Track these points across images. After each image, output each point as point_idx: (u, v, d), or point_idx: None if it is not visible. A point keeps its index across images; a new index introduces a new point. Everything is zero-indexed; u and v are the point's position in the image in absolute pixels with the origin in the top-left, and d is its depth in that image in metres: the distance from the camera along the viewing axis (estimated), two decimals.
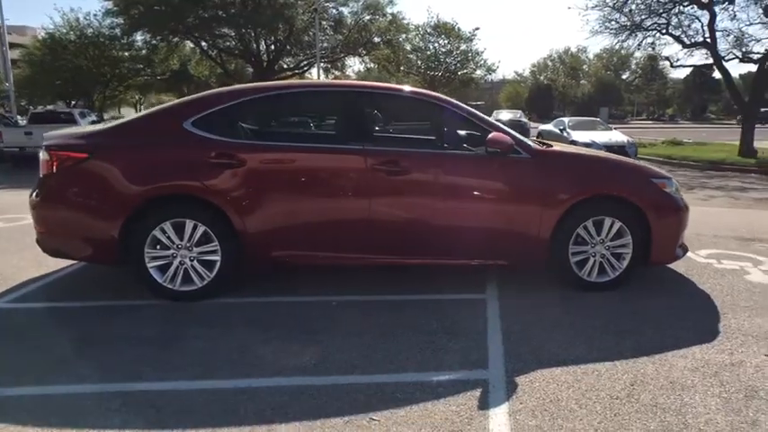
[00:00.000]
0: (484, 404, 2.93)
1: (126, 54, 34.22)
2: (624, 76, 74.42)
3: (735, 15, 21.08)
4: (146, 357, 3.44)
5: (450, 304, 4.38)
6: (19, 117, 24.07)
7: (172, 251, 4.26)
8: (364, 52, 35.12)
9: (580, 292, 4.58)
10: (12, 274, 5.09)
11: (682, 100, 76.11)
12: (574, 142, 17.04)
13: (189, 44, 34.51)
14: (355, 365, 3.35)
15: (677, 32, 20.22)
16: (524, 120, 29.77)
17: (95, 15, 32.43)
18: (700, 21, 19.67)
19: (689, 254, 5.19)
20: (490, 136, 4.38)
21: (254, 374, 3.24)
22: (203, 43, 32.48)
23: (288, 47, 32.93)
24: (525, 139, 4.70)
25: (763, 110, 51.32)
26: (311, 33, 32.01)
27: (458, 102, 4.81)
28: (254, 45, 31.92)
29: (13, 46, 30.25)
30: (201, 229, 4.25)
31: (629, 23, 20.75)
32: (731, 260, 5.62)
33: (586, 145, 15.64)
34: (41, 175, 4.33)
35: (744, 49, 19.96)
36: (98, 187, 4.23)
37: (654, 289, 4.74)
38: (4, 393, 3.04)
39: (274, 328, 3.90)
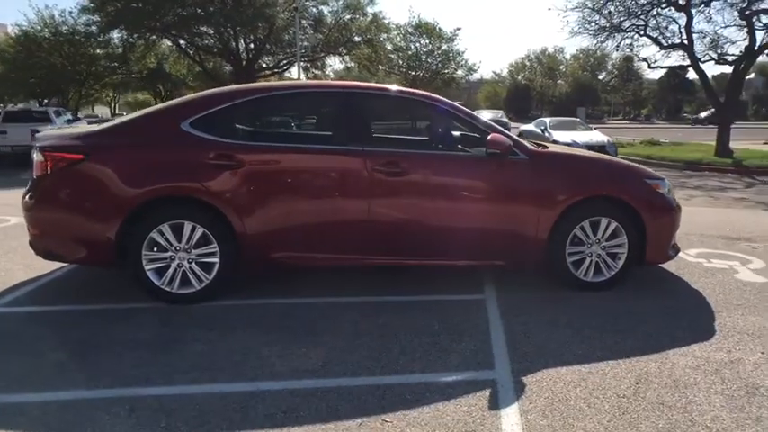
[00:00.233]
0: (494, 404, 2.95)
1: (100, 52, 33.60)
2: (601, 77, 75.35)
3: (711, 18, 21.53)
4: (148, 361, 3.40)
5: (449, 305, 4.40)
6: None
7: (170, 253, 4.21)
8: (345, 52, 34.96)
9: (576, 291, 4.63)
10: (0, 277, 4.99)
11: (656, 100, 77.38)
12: (555, 142, 17.20)
13: (167, 42, 34.01)
14: (362, 367, 3.35)
15: (655, 34, 20.62)
16: (506, 120, 30.00)
17: (71, 12, 31.80)
18: (677, 23, 20.09)
19: (679, 253, 5.27)
20: (490, 137, 4.41)
21: (261, 377, 3.22)
22: (182, 41, 32.03)
23: (267, 46, 32.65)
24: (522, 141, 4.75)
25: (703, 115, 52.42)
26: (291, 32, 31.76)
27: (456, 103, 4.84)
28: (234, 44, 31.55)
29: None
30: (200, 230, 4.20)
31: (608, 25, 21.08)
32: (720, 259, 5.73)
33: (567, 145, 15.80)
34: (35, 177, 4.24)
35: (719, 51, 20.44)
36: (94, 189, 4.16)
37: (648, 288, 4.82)
38: (5, 400, 2.97)
39: (276, 331, 3.87)
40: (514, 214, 4.54)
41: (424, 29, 41.99)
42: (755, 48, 18.53)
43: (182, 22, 28.77)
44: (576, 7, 20.84)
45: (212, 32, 30.55)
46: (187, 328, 3.89)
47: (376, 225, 4.42)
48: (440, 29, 42.13)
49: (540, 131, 20.15)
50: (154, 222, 4.16)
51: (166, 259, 4.22)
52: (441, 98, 4.87)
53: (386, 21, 35.56)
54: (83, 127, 4.83)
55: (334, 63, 39.29)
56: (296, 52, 31.60)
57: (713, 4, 19.12)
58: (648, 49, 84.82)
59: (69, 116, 21.15)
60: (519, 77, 77.36)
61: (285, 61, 35.28)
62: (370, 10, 33.80)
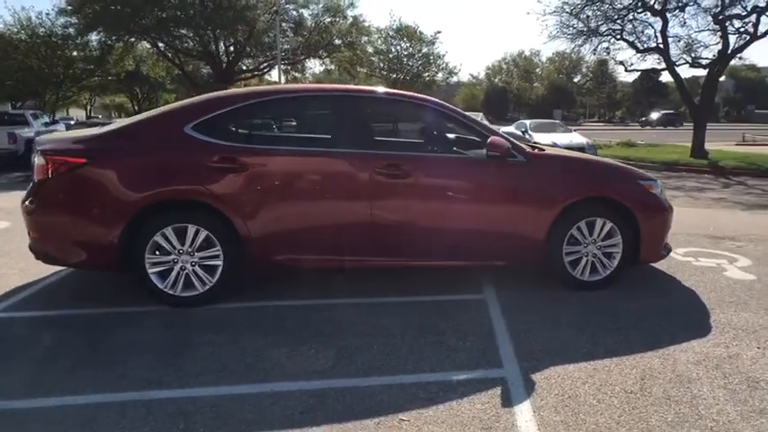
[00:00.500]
0: (507, 402, 3.01)
1: (77, 54, 33.11)
2: (576, 80, 76.40)
3: (685, 22, 21.94)
4: (158, 365, 3.39)
5: (451, 305, 4.46)
6: None
7: (173, 256, 4.21)
8: (325, 54, 34.99)
9: (573, 290, 4.73)
10: None
11: (630, 103, 78.63)
12: (536, 144, 17.40)
13: (145, 44, 33.67)
14: (373, 367, 3.39)
15: (631, 38, 21.02)
16: (486, 122, 30.17)
17: (48, 15, 31.35)
18: (653, 27, 20.52)
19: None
20: (490, 140, 4.49)
21: (272, 379, 3.24)
22: (161, 44, 31.78)
23: (248, 49, 32.53)
24: (520, 143, 4.83)
25: (654, 116, 53.56)
26: (271, 35, 31.69)
27: (455, 107, 4.91)
28: (214, 46, 31.38)
29: None
30: (204, 233, 4.20)
31: (585, 29, 21.43)
32: (708, 258, 5.89)
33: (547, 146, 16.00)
34: (36, 180, 4.21)
35: (693, 55, 20.90)
36: (97, 193, 4.14)
37: (643, 287, 4.93)
38: (15, 406, 2.95)
39: (281, 333, 3.89)
40: (514, 215, 4.62)
41: (405, 32, 42.18)
42: (729, 51, 19.00)
43: (161, 25, 28.57)
44: (555, 12, 21.22)
45: (192, 35, 30.34)
46: (193, 332, 3.88)
47: (378, 227, 4.46)
48: (420, 32, 42.42)
49: (520, 133, 20.32)
50: (157, 226, 4.15)
51: (170, 262, 4.21)
52: (444, 103, 4.94)
53: (366, 24, 35.71)
54: (84, 130, 4.77)
55: (315, 66, 39.32)
56: (276, 55, 31.52)
57: (688, 9, 19.61)
58: (625, 53, 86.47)
59: (47, 119, 20.80)
60: (496, 80, 77.99)
61: (265, 64, 35.20)
62: (350, 13, 33.93)
